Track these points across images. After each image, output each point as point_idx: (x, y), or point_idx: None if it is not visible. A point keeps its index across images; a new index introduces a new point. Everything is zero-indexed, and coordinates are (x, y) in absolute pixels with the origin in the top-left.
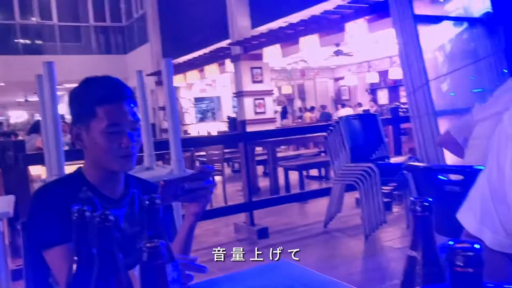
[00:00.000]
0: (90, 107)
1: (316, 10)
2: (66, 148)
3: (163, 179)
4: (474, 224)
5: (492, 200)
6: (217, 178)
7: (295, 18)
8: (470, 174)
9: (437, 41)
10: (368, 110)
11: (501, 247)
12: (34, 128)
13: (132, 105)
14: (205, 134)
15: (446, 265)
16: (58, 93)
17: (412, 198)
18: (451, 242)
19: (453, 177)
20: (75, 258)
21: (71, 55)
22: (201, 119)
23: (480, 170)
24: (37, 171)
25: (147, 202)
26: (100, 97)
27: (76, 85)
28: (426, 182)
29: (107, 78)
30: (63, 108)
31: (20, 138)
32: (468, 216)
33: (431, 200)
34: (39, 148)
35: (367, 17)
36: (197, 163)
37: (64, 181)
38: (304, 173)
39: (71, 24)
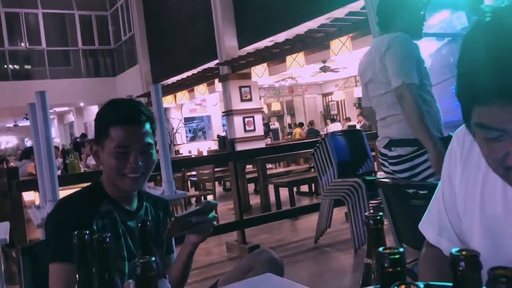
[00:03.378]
0: (105, 128)
1: (300, 29)
2: (58, 173)
3: (174, 216)
4: (433, 235)
5: (446, 213)
6: (209, 197)
7: (280, 37)
8: (432, 189)
9: None
10: (354, 125)
11: None
12: (26, 154)
13: (146, 129)
14: (196, 153)
15: (451, 268)
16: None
17: (365, 214)
18: (454, 250)
19: (418, 192)
20: (77, 277)
21: (61, 79)
22: (192, 138)
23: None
24: (29, 197)
25: (139, 225)
26: (114, 119)
27: (66, 108)
28: (394, 197)
29: (127, 101)
30: (54, 132)
31: (11, 164)
32: (428, 227)
33: (382, 214)
34: (31, 174)
35: (351, 35)
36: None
37: (85, 193)
38: (295, 189)
39: (59, 49)
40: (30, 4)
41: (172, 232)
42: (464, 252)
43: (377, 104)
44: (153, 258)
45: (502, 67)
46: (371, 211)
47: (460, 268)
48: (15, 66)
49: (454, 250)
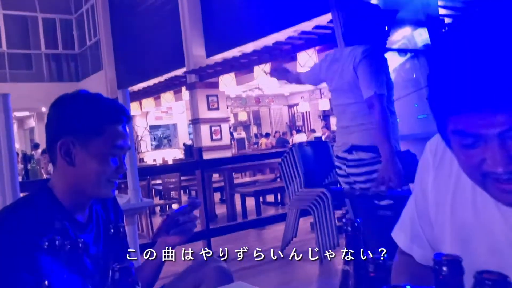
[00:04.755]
0: (97, 125)
1: (268, 40)
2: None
3: (166, 214)
4: (405, 242)
5: (418, 220)
6: (174, 206)
7: (248, 48)
8: (399, 199)
9: None
10: (320, 136)
11: (428, 262)
12: None
13: (129, 128)
14: (161, 161)
15: (433, 272)
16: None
17: (343, 220)
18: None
19: (384, 202)
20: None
21: (22, 82)
22: (157, 147)
23: (408, 195)
24: None
25: (112, 231)
26: (109, 116)
27: (27, 113)
28: (361, 207)
29: (103, 96)
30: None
31: None
32: (400, 234)
33: (360, 221)
34: None
35: (317, 48)
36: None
37: (36, 206)
38: (261, 199)
39: (21, 52)
40: None
41: (161, 232)
42: (446, 257)
43: (341, 112)
44: (131, 264)
45: (471, 75)
46: (337, 220)
47: (443, 273)
48: None
49: (436, 255)
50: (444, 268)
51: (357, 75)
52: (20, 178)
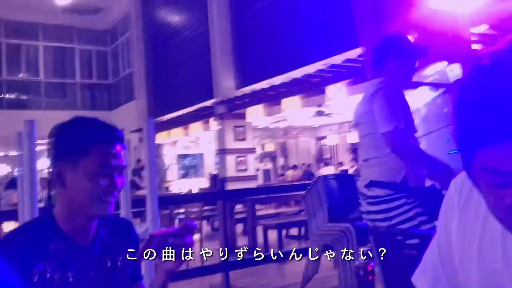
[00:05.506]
0: (82, 145)
1: (297, 73)
2: (42, 205)
3: (150, 233)
4: (427, 287)
5: (441, 264)
6: (195, 236)
7: (277, 80)
8: (425, 238)
9: (413, 105)
10: (346, 170)
11: None
12: (11, 184)
13: (123, 149)
14: (187, 190)
15: None
16: (41, 148)
17: (356, 263)
18: None
19: (410, 241)
20: None
21: (56, 110)
22: (184, 176)
23: (433, 234)
24: (11, 227)
25: (118, 257)
26: (95, 136)
27: None
28: (386, 245)
29: (97, 119)
30: (46, 163)
31: None
32: (421, 279)
33: (373, 265)
34: (16, 204)
35: (346, 81)
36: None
37: (35, 229)
38: (284, 232)
39: (57, 81)
40: (32, 37)
41: (146, 252)
42: None
43: (360, 145)
44: None
45: (507, 104)
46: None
47: None
48: (11, 95)
49: None
50: None
51: (371, 107)
52: (42, 204)
